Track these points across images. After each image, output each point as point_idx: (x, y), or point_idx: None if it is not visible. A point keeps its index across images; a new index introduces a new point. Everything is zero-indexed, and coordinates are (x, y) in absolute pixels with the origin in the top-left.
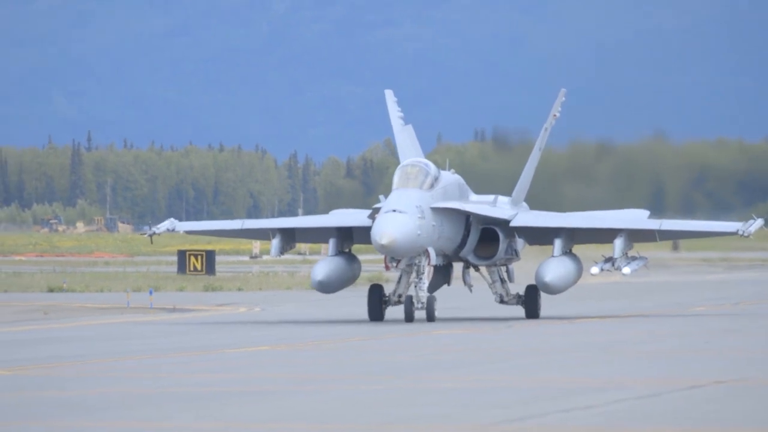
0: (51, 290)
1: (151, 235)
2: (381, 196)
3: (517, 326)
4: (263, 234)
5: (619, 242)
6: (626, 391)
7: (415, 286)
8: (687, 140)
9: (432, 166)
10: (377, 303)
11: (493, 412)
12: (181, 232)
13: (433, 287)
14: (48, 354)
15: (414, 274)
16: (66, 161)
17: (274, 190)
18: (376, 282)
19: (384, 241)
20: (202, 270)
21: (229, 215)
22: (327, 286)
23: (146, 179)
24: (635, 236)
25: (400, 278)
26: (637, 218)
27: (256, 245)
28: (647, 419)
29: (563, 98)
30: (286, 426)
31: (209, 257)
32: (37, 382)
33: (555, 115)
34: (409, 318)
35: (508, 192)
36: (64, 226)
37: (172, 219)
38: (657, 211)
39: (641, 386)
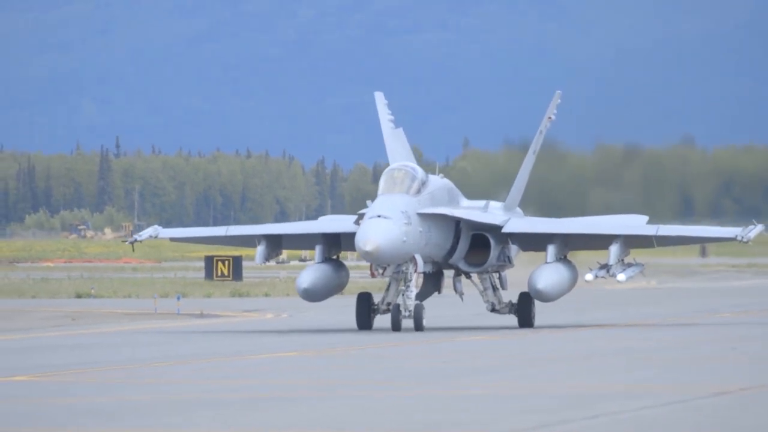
0: (79, 296)
1: (132, 243)
2: (368, 201)
3: (540, 333)
4: (249, 241)
5: (614, 248)
6: (653, 398)
7: (403, 295)
8: (715, 146)
9: (419, 171)
10: (365, 312)
11: (521, 418)
12: (167, 238)
13: (423, 295)
14: (76, 360)
15: (402, 282)
16: (94, 167)
17: (301, 197)
18: (364, 291)
19: (368, 247)
20: (229, 276)
21: (256, 221)
22: (313, 294)
23: (174, 185)
24: (632, 242)
25: (388, 286)
26: (634, 224)
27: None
28: (675, 426)
29: (558, 100)
30: None
31: (236, 263)
32: (65, 388)
33: (550, 118)
34: (396, 327)
35: (538, 198)
36: (92, 232)
37: (155, 225)
38: (685, 217)
39: (668, 393)
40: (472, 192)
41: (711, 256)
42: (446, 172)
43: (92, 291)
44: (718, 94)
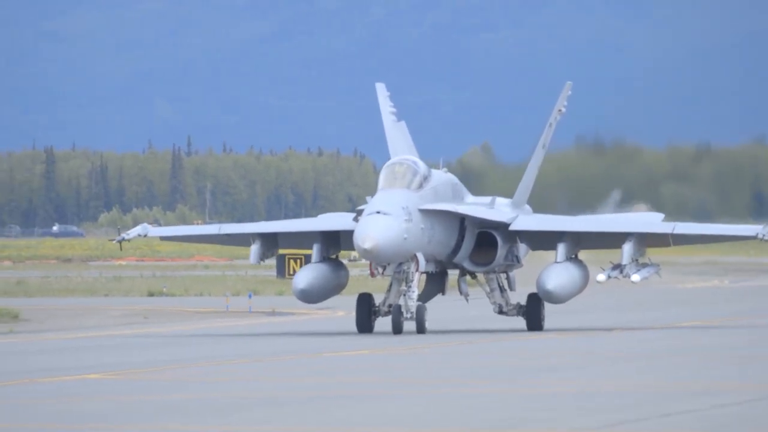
0: (151, 294)
1: (120, 242)
2: (368, 197)
3: (614, 332)
4: (243, 239)
5: (628, 247)
6: (726, 396)
7: (404, 295)
8: None
9: (421, 165)
10: (366, 313)
11: (595, 417)
12: (157, 237)
13: (427, 296)
14: (148, 358)
15: (403, 282)
16: (166, 166)
17: (372, 194)
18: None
19: (367, 245)
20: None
21: None
22: (310, 296)
23: (245, 184)
24: (647, 241)
25: (390, 287)
26: (649, 221)
27: None
28: (748, 424)
29: (569, 92)
30: (385, 430)
31: (308, 261)
32: (138, 386)
33: (560, 110)
34: (397, 329)
35: (606, 193)
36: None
37: (144, 224)
38: (758, 216)
39: (740, 391)
40: (543, 192)
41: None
42: (516, 171)
43: (164, 289)
44: None
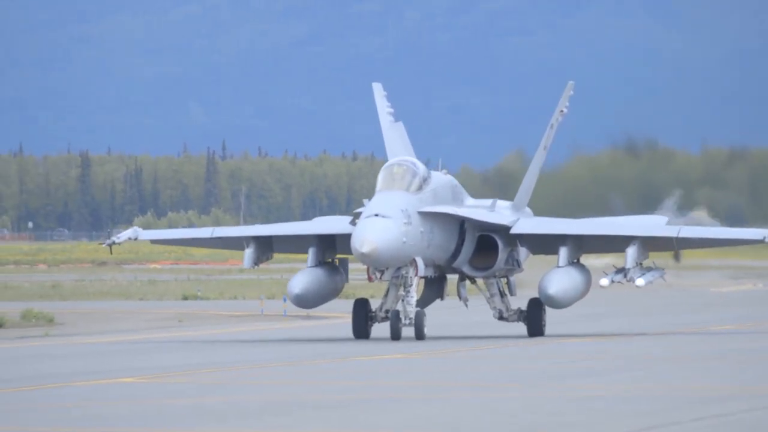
0: (186, 298)
1: (110, 245)
2: (365, 200)
3: (647, 336)
4: (236, 243)
5: (632, 251)
6: (759, 400)
7: (402, 301)
8: None
9: (421, 166)
10: (362, 319)
11: (631, 420)
12: (147, 240)
13: (425, 302)
14: (183, 362)
15: (402, 287)
16: (201, 169)
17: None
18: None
19: (365, 249)
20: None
21: None
22: (305, 301)
23: (280, 187)
24: (651, 244)
25: (387, 292)
26: (653, 224)
27: None
28: None
29: (571, 92)
30: None
31: (342, 264)
32: (172, 389)
33: (562, 111)
34: (395, 336)
35: (642, 197)
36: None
37: (135, 227)
38: None
39: None
40: (576, 195)
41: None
42: (552, 177)
43: (199, 293)
44: None
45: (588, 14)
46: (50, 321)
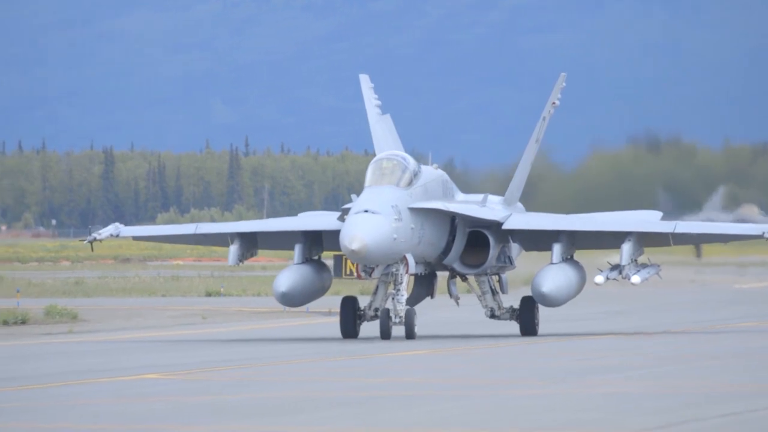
0: (209, 294)
1: (91, 242)
2: (353, 195)
3: (670, 333)
4: (221, 239)
5: (627, 247)
6: None
7: (393, 299)
8: None
9: (411, 161)
10: (351, 318)
11: (652, 417)
12: (129, 237)
13: (414, 300)
14: (205, 358)
15: (392, 285)
16: (224, 166)
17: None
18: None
19: (354, 246)
20: (358, 274)
21: None
22: (291, 299)
23: (303, 184)
24: (646, 240)
25: (376, 290)
26: (647, 220)
27: None
28: None
29: (563, 84)
30: (438, 431)
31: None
32: (199, 386)
33: (554, 103)
34: (385, 335)
35: (666, 193)
36: None
37: (116, 224)
38: None
39: None
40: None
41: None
42: (572, 174)
43: (222, 289)
44: None
45: (611, 11)
46: (74, 317)
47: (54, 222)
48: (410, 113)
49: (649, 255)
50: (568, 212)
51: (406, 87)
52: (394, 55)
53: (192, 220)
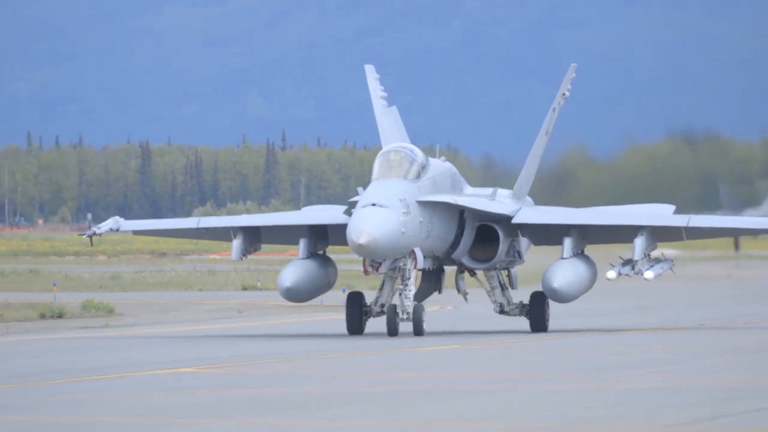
0: (245, 288)
1: (91, 236)
2: (359, 188)
3: (708, 328)
4: (223, 233)
5: (639, 242)
6: None
7: (400, 294)
8: None
9: (419, 153)
10: (357, 314)
11: (684, 411)
12: (129, 231)
13: (422, 295)
14: (240, 352)
15: (399, 280)
16: (260, 160)
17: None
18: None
19: (362, 240)
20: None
21: None
22: (296, 294)
23: (339, 178)
24: (659, 234)
25: (382, 285)
26: (660, 214)
27: None
28: None
29: (573, 74)
30: (470, 425)
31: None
32: (232, 380)
33: (564, 94)
34: (392, 331)
35: (700, 187)
36: None
37: (116, 217)
38: None
39: None
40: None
41: None
42: (609, 168)
43: (258, 283)
44: None
45: (647, 5)
46: (110, 311)
47: (90, 216)
48: (445, 106)
49: (684, 249)
50: (598, 205)
51: (441, 80)
52: (429, 48)
53: (229, 215)
